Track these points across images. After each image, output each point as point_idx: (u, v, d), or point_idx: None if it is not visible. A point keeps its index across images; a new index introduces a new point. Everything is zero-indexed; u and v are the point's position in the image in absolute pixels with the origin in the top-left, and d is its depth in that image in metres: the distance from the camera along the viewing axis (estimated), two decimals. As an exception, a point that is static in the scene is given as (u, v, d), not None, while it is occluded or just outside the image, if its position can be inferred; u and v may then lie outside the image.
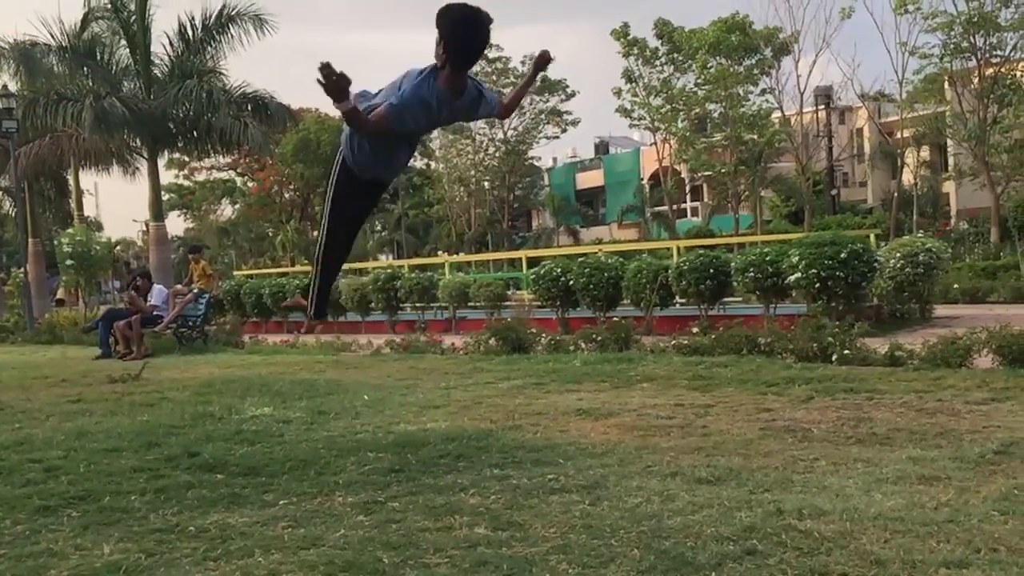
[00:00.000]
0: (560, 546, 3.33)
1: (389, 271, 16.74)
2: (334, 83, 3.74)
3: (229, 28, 22.10)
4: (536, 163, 49.72)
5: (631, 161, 49.13)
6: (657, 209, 42.10)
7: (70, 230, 23.02)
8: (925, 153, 36.34)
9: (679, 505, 3.74)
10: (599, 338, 9.73)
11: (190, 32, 22.14)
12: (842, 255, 10.72)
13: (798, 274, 10.95)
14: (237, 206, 57.54)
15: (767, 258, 11.52)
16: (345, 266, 25.34)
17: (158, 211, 23.44)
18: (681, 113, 34.76)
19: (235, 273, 24.28)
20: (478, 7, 3.80)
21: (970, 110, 26.98)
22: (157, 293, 14.24)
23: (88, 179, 69.41)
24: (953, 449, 4.50)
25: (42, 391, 8.92)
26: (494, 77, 43.00)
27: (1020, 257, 20.02)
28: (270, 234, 54.24)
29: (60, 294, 29.57)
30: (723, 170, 33.98)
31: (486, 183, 45.69)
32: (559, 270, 13.53)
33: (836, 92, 32.49)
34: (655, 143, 38.69)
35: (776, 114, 32.58)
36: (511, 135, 44.36)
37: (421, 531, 3.59)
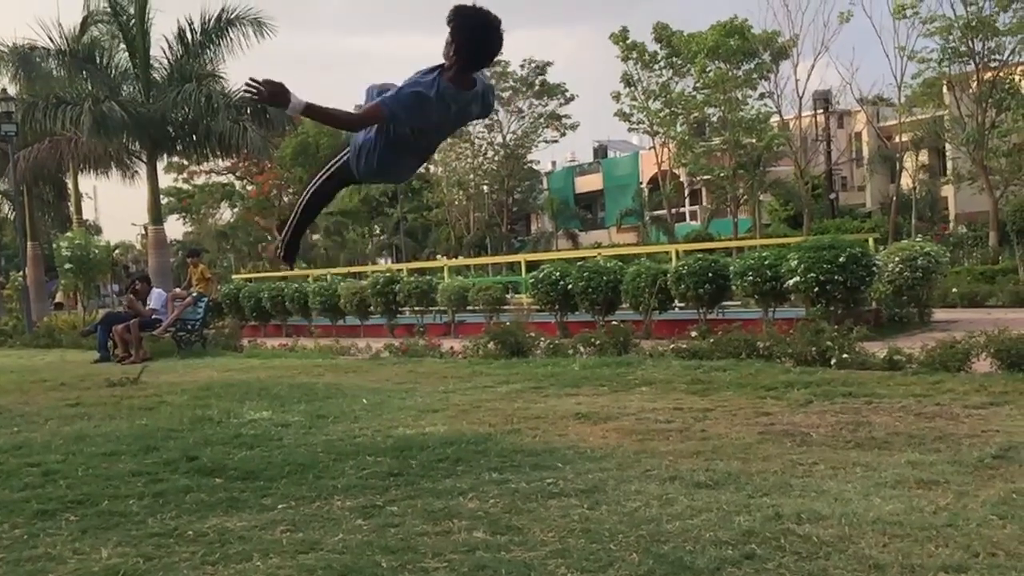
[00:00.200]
0: (559, 550, 3.33)
1: (388, 275, 16.73)
2: (266, 92, 3.59)
3: (228, 32, 22.12)
4: (535, 167, 49.71)
5: (630, 165, 49.15)
6: (656, 213, 42.09)
7: (69, 234, 23.00)
8: (924, 157, 36.34)
9: (678, 509, 3.74)
10: (598, 342, 9.73)
11: (189, 36, 22.16)
12: (841, 259, 10.73)
13: (797, 278, 10.95)
14: (236, 209, 57.54)
15: (766, 262, 11.52)
16: (344, 269, 25.21)
17: (157, 215, 23.45)
18: (680, 117, 34.76)
19: (234, 277, 24.27)
20: (493, 13, 3.70)
21: (968, 114, 26.99)
22: (156, 297, 14.24)
23: (87, 183, 69.31)
24: (952, 453, 4.50)
25: (40, 395, 8.92)
26: (493, 81, 43.03)
27: (1019, 261, 20.05)
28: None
29: (59, 298, 29.56)
30: (722, 174, 33.98)
31: (485, 187, 45.67)
32: (558, 274, 13.53)
33: (835, 96, 32.51)
34: (654, 147, 38.68)
35: (775, 118, 32.57)
36: (510, 139, 44.39)
37: (420, 535, 3.59)
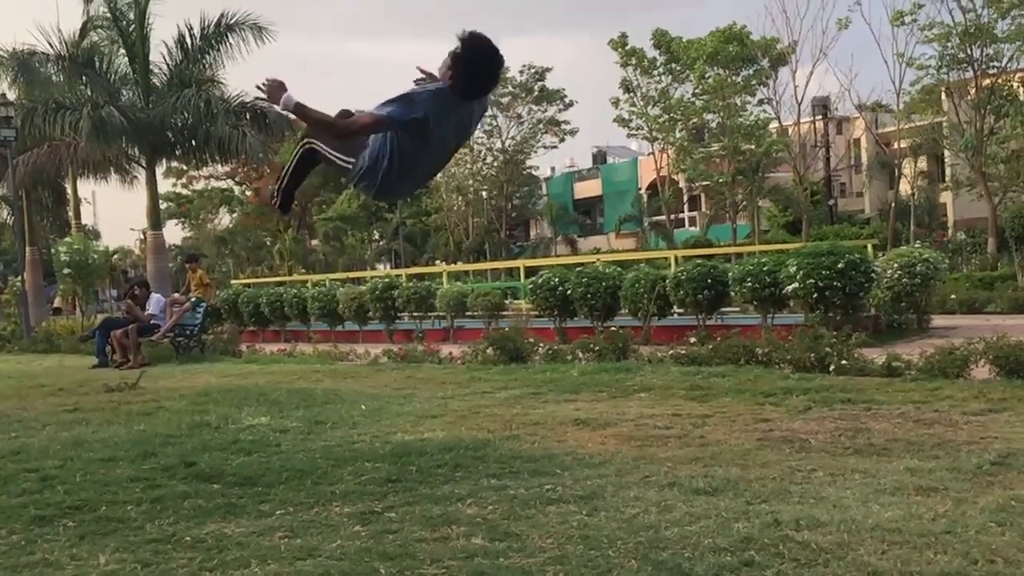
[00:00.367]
0: (557, 557, 3.33)
1: (387, 280, 16.74)
2: (266, 88, 3.70)
3: (228, 37, 22.16)
4: (534, 173, 49.72)
5: (629, 171, 49.20)
6: (655, 219, 42.11)
7: (68, 239, 23.04)
8: (922, 164, 36.37)
9: (676, 516, 3.73)
10: (597, 348, 9.73)
11: (189, 41, 22.20)
12: (840, 265, 10.73)
13: (796, 284, 10.95)
14: (235, 215, 57.56)
15: (765, 268, 11.52)
16: (343, 275, 25.18)
17: (156, 220, 23.47)
18: (679, 123, 34.79)
19: (232, 282, 24.27)
20: (500, 54, 3.59)
21: (967, 121, 27.03)
22: (154, 302, 14.23)
23: (86, 187, 69.41)
24: (950, 460, 4.50)
25: (38, 400, 8.91)
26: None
27: (1017, 268, 20.06)
28: (268, 243, 54.24)
29: (57, 303, 29.58)
30: (721, 180, 34.01)
31: (484, 192, 45.70)
32: (557, 280, 13.53)
33: (833, 102, 32.58)
34: (653, 153, 38.73)
35: (774, 124, 32.63)
36: (509, 145, 44.44)
37: (418, 541, 3.58)
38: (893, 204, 31.55)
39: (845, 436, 5.22)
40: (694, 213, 45.45)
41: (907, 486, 4.01)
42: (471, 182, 44.50)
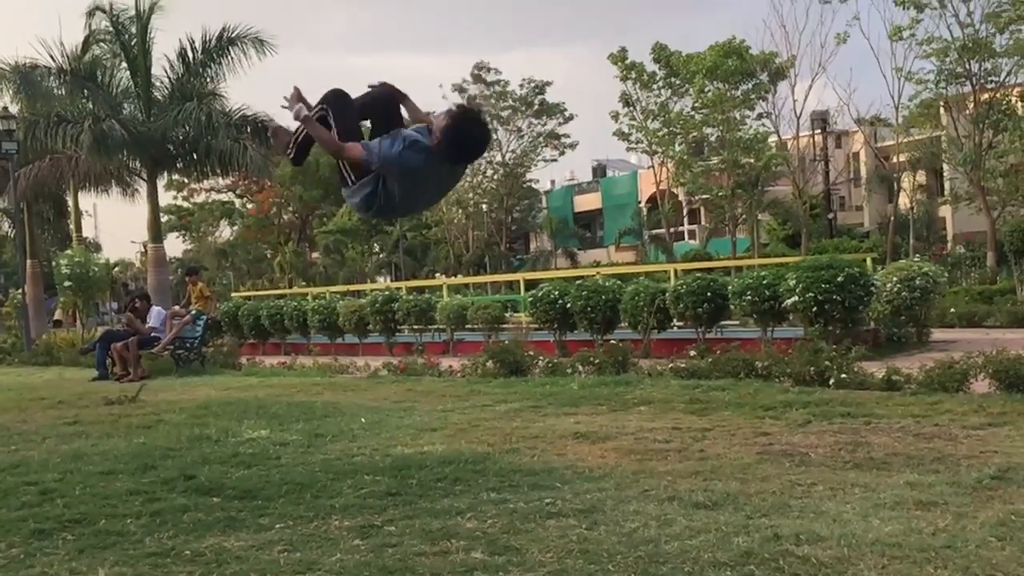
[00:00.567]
0: (557, 571, 3.33)
1: (387, 293, 16.75)
2: (291, 99, 3.89)
3: (229, 50, 22.24)
4: (534, 186, 49.85)
5: (629, 184, 49.31)
6: (655, 232, 42.17)
7: (69, 251, 23.05)
8: (921, 177, 36.44)
9: (676, 530, 3.73)
10: (596, 361, 9.72)
11: (190, 55, 22.28)
12: (839, 279, 10.74)
13: (795, 297, 10.96)
14: (235, 227, 57.62)
15: (764, 281, 11.53)
16: (343, 287, 25.14)
17: (157, 232, 23.49)
18: (678, 137, 34.87)
19: (233, 295, 24.27)
20: (489, 132, 3.86)
21: (965, 135, 27.09)
22: (155, 315, 14.24)
23: (87, 200, 69.53)
24: (950, 474, 4.50)
25: (38, 413, 8.90)
26: (492, 100, 43.25)
27: (1016, 281, 20.06)
28: (268, 256, 54.30)
29: (57, 315, 29.57)
30: (720, 193, 34.08)
31: (484, 205, 45.78)
32: (557, 293, 13.54)
33: (832, 116, 32.58)
34: (652, 166, 38.82)
35: (773, 138, 32.71)
36: (509, 158, 44.56)
37: (417, 555, 3.58)
38: (892, 218, 31.58)
39: (845, 450, 5.22)
40: (694, 226, 45.52)
41: (907, 500, 4.01)
42: (471, 195, 44.57)
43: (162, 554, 3.75)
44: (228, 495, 4.72)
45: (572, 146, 45.53)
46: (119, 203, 33.66)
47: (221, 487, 4.89)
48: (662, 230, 40.69)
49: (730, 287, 12.11)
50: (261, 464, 5.54)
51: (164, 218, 38.06)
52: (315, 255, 53.71)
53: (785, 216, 37.41)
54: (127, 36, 22.17)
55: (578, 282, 13.91)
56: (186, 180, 43.58)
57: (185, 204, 56.40)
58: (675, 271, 14.73)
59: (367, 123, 4.02)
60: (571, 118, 44.30)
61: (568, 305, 13.25)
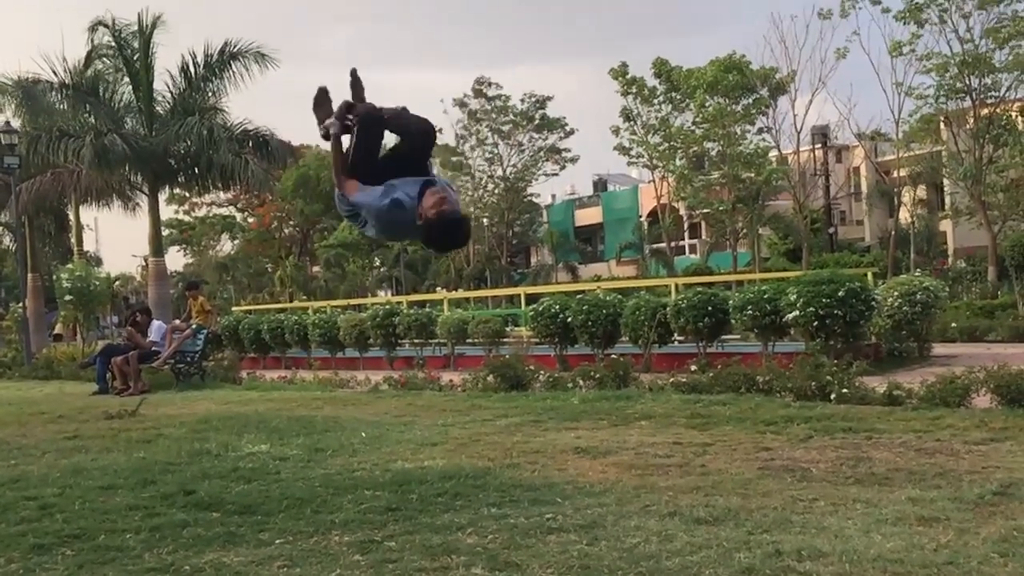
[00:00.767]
0: (558, 587, 3.31)
1: (388, 307, 16.75)
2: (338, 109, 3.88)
3: (231, 65, 22.32)
4: (535, 200, 50.00)
5: (629, 198, 49.40)
6: (655, 246, 42.24)
7: (70, 265, 23.09)
8: (922, 192, 36.51)
9: (677, 546, 3.72)
10: (597, 375, 9.71)
11: (192, 69, 22.35)
12: (840, 293, 10.74)
13: (796, 312, 10.95)
14: (236, 241, 57.70)
15: (765, 296, 11.53)
16: (343, 302, 25.09)
17: (158, 246, 23.51)
18: (679, 151, 34.98)
19: (233, 309, 24.27)
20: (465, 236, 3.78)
21: (966, 150, 27.18)
22: (156, 329, 14.23)
23: (88, 214, 69.52)
24: (952, 490, 4.48)
25: (38, 427, 8.89)
26: (494, 115, 43.43)
27: (1017, 296, 20.05)
28: (269, 270, 54.32)
29: (58, 329, 29.55)
30: (721, 208, 34.16)
31: (485, 220, 45.90)
32: (557, 307, 13.54)
33: (833, 131, 32.74)
34: (653, 181, 38.93)
35: (773, 153, 32.82)
36: (510, 172, 44.68)
37: (418, 571, 3.57)
38: (893, 232, 31.64)
39: (846, 465, 5.21)
40: (694, 241, 45.58)
41: (909, 516, 4.00)
42: (472, 209, 44.65)
43: (161, 569, 3.73)
44: (228, 510, 4.70)
45: (573, 160, 45.76)
46: (120, 217, 33.75)
47: (221, 502, 4.88)
48: (663, 244, 40.76)
49: (731, 301, 12.10)
50: (261, 479, 5.53)
51: (165, 232, 38.10)
52: (316, 269, 53.72)
53: (786, 230, 37.46)
54: (129, 51, 22.25)
55: (579, 296, 13.91)
56: (187, 194, 43.73)
57: (186, 218, 56.52)
58: (676, 285, 14.72)
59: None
60: (572, 132, 44.54)
61: (569, 319, 13.24)
